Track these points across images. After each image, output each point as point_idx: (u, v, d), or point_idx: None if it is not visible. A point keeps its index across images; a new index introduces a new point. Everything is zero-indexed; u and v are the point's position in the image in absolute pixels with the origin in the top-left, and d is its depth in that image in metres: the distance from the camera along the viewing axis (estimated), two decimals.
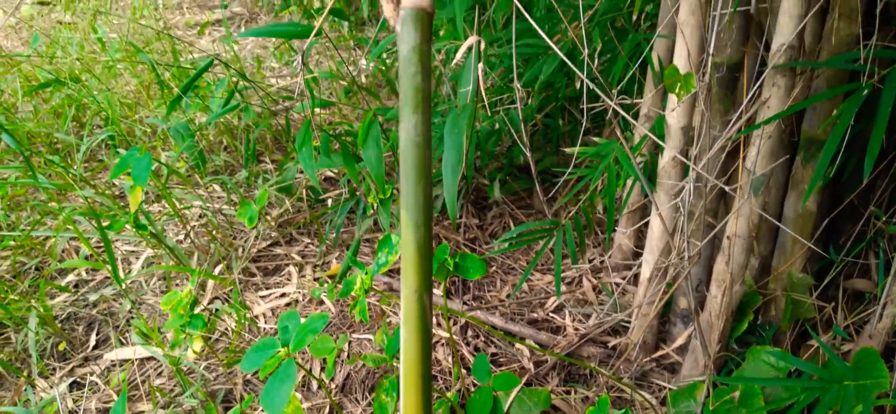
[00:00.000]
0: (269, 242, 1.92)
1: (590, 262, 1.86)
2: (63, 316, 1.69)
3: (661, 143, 1.25)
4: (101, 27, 3.06)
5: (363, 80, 2.87)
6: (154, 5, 3.87)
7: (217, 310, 1.64)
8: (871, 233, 1.43)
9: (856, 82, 1.06)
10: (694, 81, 1.03)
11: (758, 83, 1.13)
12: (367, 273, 1.06)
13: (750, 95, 1.11)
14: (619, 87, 1.41)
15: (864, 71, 1.04)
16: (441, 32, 2.08)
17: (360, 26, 3.52)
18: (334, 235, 1.92)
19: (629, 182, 1.62)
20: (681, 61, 1.18)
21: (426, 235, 0.39)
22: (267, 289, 1.76)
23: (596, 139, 1.49)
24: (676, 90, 1.08)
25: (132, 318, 1.67)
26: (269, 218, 1.98)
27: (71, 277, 1.81)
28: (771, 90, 1.13)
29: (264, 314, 1.67)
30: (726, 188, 1.01)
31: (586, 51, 1.04)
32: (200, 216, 2.01)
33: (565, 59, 0.84)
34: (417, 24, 0.40)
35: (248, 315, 1.62)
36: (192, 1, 4.19)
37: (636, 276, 1.76)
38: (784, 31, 1.07)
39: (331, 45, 3.19)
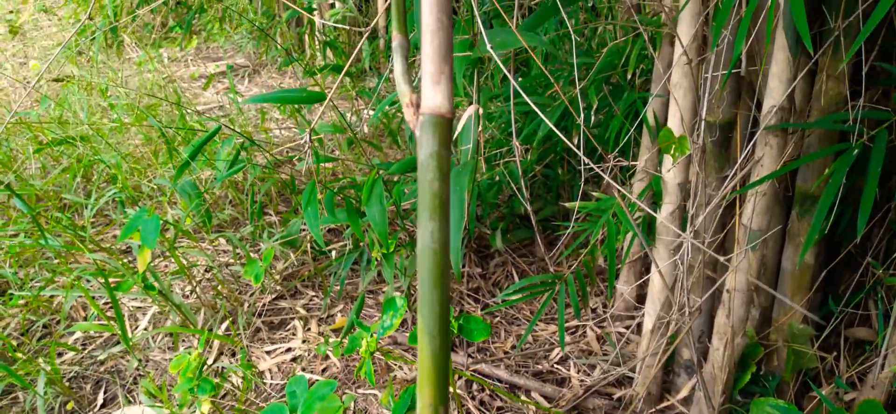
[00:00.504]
0: (274, 296, 1.94)
1: (593, 311, 1.88)
2: (70, 374, 1.70)
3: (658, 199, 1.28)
4: (107, 81, 3.12)
5: (365, 130, 2.92)
6: (159, 59, 3.94)
7: (224, 368, 1.65)
8: (870, 283, 1.44)
9: (846, 140, 1.10)
10: (688, 144, 1.06)
11: (751, 142, 1.16)
12: (372, 336, 1.08)
13: (743, 155, 1.14)
14: (616, 148, 1.44)
15: (854, 131, 1.07)
16: None
17: (361, 76, 3.58)
18: (339, 287, 1.94)
19: (630, 234, 1.64)
20: (674, 123, 1.22)
21: (443, 345, 0.40)
22: (272, 344, 1.77)
23: (595, 194, 1.52)
24: (671, 152, 1.11)
25: (140, 376, 1.68)
26: (274, 272, 2.00)
27: (78, 335, 1.82)
28: (763, 149, 1.16)
29: (270, 370, 1.68)
30: (721, 258, 1.04)
31: (582, 115, 1.07)
32: (207, 270, 2.04)
33: (557, 130, 0.88)
34: (436, 130, 0.42)
35: (254, 372, 1.63)
36: (196, 53, 4.27)
37: (639, 325, 1.77)
38: (774, 94, 1.10)
39: (335, 89, 3.25)
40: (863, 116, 1.07)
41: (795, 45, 1.07)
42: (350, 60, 1.18)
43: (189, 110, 3.07)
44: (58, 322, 1.84)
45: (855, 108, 1.09)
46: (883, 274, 1.40)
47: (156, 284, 1.69)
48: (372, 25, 1.16)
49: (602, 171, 1.09)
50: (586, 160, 0.83)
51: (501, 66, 0.81)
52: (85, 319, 1.87)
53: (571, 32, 1.01)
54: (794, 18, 0.73)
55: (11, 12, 4.75)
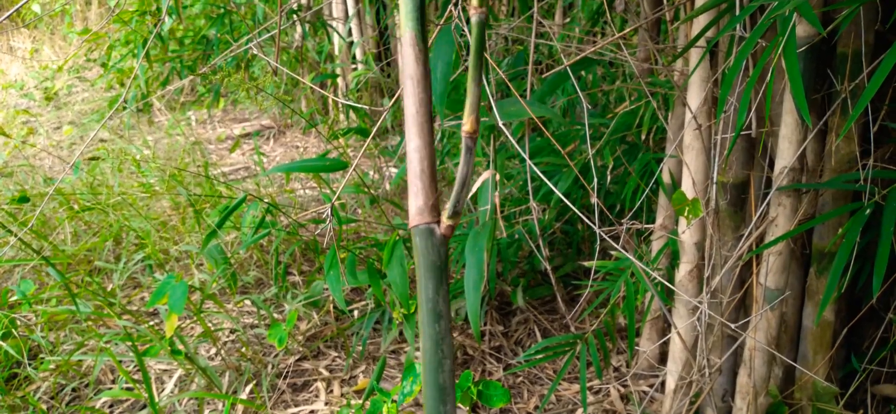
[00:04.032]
0: (297, 357, 1.97)
1: (615, 369, 1.87)
2: None
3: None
4: (138, 147, 3.22)
5: (387, 188, 2.97)
6: (187, 122, 4.06)
7: None
8: (894, 339, 1.43)
9: (860, 197, 1.10)
10: (700, 207, 1.07)
11: (765, 202, 1.17)
12: (393, 402, 1.09)
13: (757, 215, 1.15)
14: (631, 210, 1.46)
15: (866, 191, 1.08)
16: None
17: (383, 135, 3.65)
18: (361, 348, 1.96)
19: (649, 292, 1.65)
20: (687, 184, 1.23)
21: None
22: (296, 406, 1.79)
23: (613, 253, 1.53)
24: (685, 214, 1.12)
25: None
26: (297, 333, 2.03)
27: (106, 399, 1.86)
28: (777, 209, 1.17)
29: None
30: (738, 322, 1.04)
31: (596, 179, 1.10)
32: (232, 333, 2.07)
33: (571, 193, 0.90)
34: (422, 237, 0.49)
35: None
36: (223, 115, 4.39)
37: (663, 383, 1.76)
38: (785, 155, 1.12)
39: (353, 154, 3.32)
40: (874, 176, 1.08)
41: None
42: (376, 126, 1.22)
43: (216, 173, 3.15)
44: (86, 386, 1.88)
45: (865, 167, 1.10)
46: None
47: (182, 348, 1.73)
48: (395, 98, 1.21)
49: (618, 231, 1.11)
50: (595, 228, 0.85)
51: (511, 138, 0.84)
52: (113, 382, 1.91)
53: (582, 98, 1.05)
54: (793, 92, 0.75)
55: (47, 80, 4.95)
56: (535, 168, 0.89)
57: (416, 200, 0.54)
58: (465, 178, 0.53)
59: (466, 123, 0.51)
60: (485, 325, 2.04)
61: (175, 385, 1.89)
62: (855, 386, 1.44)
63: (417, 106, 0.53)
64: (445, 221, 0.55)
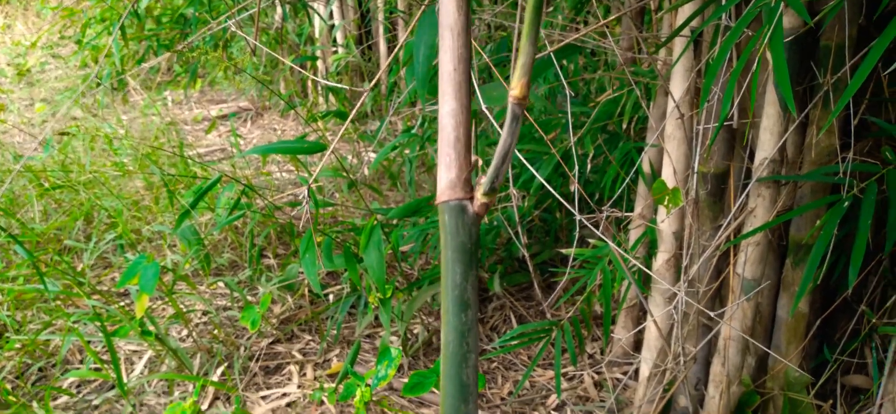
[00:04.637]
0: (270, 340, 1.94)
1: (590, 357, 1.87)
2: None
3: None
4: (111, 126, 3.16)
5: (366, 173, 2.94)
6: (163, 102, 3.99)
7: None
8: (865, 330, 1.44)
9: (838, 189, 1.11)
10: (681, 197, 1.07)
11: (744, 193, 1.18)
12: (366, 386, 1.08)
13: (737, 205, 1.16)
14: (611, 198, 1.46)
15: (845, 183, 1.09)
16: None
17: (363, 119, 3.62)
18: (335, 332, 1.94)
19: (626, 280, 1.65)
20: (668, 174, 1.23)
21: None
22: (268, 389, 1.77)
23: (591, 241, 1.53)
24: (665, 203, 1.12)
25: None
26: (271, 315, 2.00)
27: (73, 379, 1.82)
28: (756, 200, 1.17)
29: None
30: (714, 311, 1.05)
31: (577, 167, 1.09)
32: (204, 314, 2.04)
33: (553, 180, 0.89)
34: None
35: None
36: (200, 96, 4.32)
37: (637, 371, 1.77)
38: (766, 147, 1.12)
39: (332, 138, 3.29)
40: (853, 169, 1.09)
41: (785, 101, 1.09)
42: (355, 108, 1.20)
43: (191, 154, 3.10)
44: (54, 366, 1.84)
45: (845, 160, 1.11)
46: (877, 322, 1.40)
47: (152, 329, 1.70)
48: (375, 81, 1.19)
49: (597, 219, 1.11)
50: (576, 214, 0.84)
51: (494, 123, 0.83)
52: (81, 362, 1.87)
53: (565, 85, 1.03)
54: (778, 82, 0.75)
55: (19, 56, 4.83)
56: (517, 154, 0.87)
57: (447, 172, 0.48)
58: (508, 150, 0.46)
59: (516, 88, 0.44)
60: None
61: (145, 366, 1.86)
62: (826, 376, 1.46)
63: (456, 62, 0.47)
64: (480, 197, 0.49)
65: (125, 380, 1.81)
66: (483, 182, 0.47)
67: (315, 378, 1.79)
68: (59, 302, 2.03)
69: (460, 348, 0.50)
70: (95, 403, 1.73)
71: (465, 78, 0.45)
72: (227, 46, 3.46)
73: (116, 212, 2.25)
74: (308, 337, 1.97)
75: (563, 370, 1.84)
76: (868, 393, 1.45)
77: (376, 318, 2.00)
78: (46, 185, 2.48)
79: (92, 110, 3.73)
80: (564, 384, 1.79)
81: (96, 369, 1.77)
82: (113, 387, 1.79)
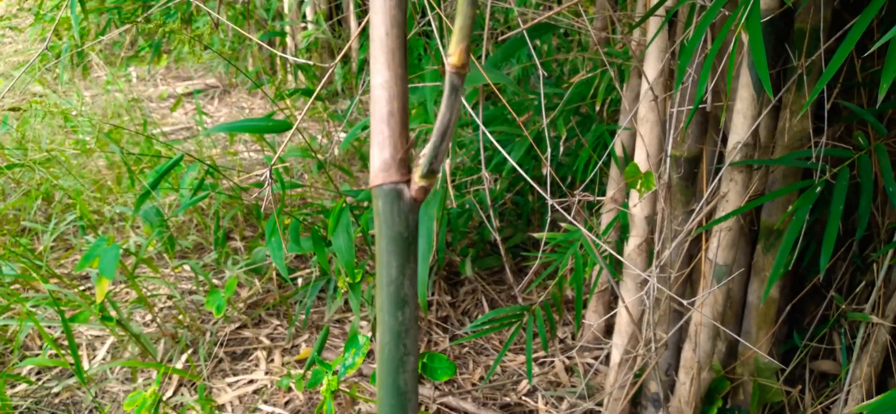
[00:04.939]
0: (237, 325, 1.90)
1: (561, 341, 1.86)
2: (23, 407, 1.64)
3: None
4: (72, 102, 3.06)
5: (336, 153, 2.89)
6: (127, 78, 3.88)
7: (183, 406, 1.60)
8: (834, 316, 1.45)
9: (811, 174, 1.10)
10: (653, 180, 1.05)
11: (716, 178, 1.16)
12: (334, 374, 1.05)
13: (709, 190, 1.14)
14: (584, 182, 1.44)
15: (817, 168, 1.08)
16: (413, 113, 2.12)
17: (333, 99, 3.56)
18: (304, 317, 1.90)
19: (598, 265, 1.64)
20: (641, 157, 1.21)
21: None
22: (234, 375, 1.73)
23: (563, 224, 1.51)
24: (637, 187, 1.10)
25: (95, 409, 1.62)
26: (237, 300, 1.96)
27: (31, 365, 1.76)
28: (729, 185, 1.16)
29: (231, 403, 1.64)
30: (686, 297, 1.03)
31: (549, 149, 1.06)
32: (169, 298, 1.99)
33: (525, 162, 0.87)
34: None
35: (213, 406, 1.59)
36: (166, 72, 4.21)
37: (608, 356, 1.76)
38: (739, 130, 1.10)
39: (300, 116, 3.22)
40: (826, 154, 1.08)
41: (759, 84, 1.07)
42: (320, 85, 1.16)
43: (156, 132, 3.02)
44: (11, 352, 1.78)
45: (818, 145, 1.10)
46: (846, 307, 1.41)
47: (114, 314, 1.64)
48: (344, 52, 1.15)
49: (569, 203, 1.08)
50: (547, 198, 0.82)
51: (466, 104, 0.80)
52: (40, 349, 1.81)
53: (538, 66, 1.00)
54: (755, 62, 0.72)
55: None
56: (489, 135, 0.84)
57: (380, 152, 0.42)
58: (447, 126, 0.41)
59: (453, 54, 0.38)
60: (432, 295, 2.01)
61: (108, 352, 1.81)
62: (795, 362, 1.47)
63: (388, 25, 0.40)
64: (417, 180, 0.43)
65: (86, 366, 1.76)
66: (421, 163, 0.42)
67: (283, 364, 1.76)
68: (17, 286, 1.96)
69: (397, 351, 0.45)
70: (55, 390, 1.68)
71: (400, 44, 0.39)
72: (192, 21, 3.37)
73: (75, 192, 2.17)
74: (276, 322, 1.93)
75: (534, 355, 1.83)
76: (837, 378, 1.46)
77: (346, 302, 1.96)
78: (2, 163, 2.39)
79: (52, 86, 3.61)
80: (536, 369, 1.78)
81: (55, 356, 1.71)
82: (74, 374, 1.73)
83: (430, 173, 0.41)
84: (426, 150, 0.40)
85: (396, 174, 0.42)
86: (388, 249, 0.43)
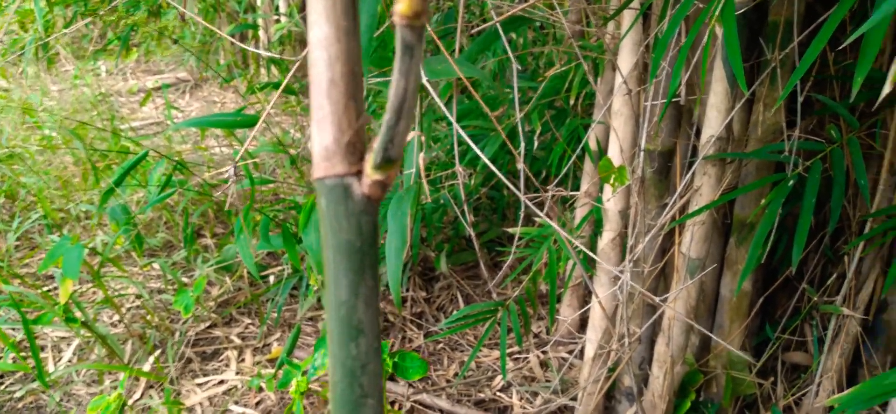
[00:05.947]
0: (207, 325, 1.86)
1: (536, 336, 1.86)
2: None
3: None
4: (39, 96, 2.98)
5: (309, 147, 2.85)
6: (95, 72, 3.80)
7: (150, 409, 1.56)
8: (806, 308, 1.46)
9: (783, 169, 1.10)
10: (627, 175, 1.04)
11: (690, 171, 1.16)
12: (303, 374, 1.02)
13: (683, 184, 1.14)
14: (558, 176, 1.42)
15: (790, 162, 1.07)
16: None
17: (306, 92, 3.51)
18: (276, 315, 1.87)
19: (572, 260, 1.63)
20: (615, 151, 1.20)
21: None
22: (204, 376, 1.69)
23: (538, 219, 1.50)
24: (611, 181, 1.09)
25: (60, 413, 1.58)
26: (207, 298, 1.92)
27: None
28: (702, 179, 1.15)
29: (201, 404, 1.60)
30: (660, 290, 1.02)
31: (523, 145, 1.05)
32: (137, 298, 1.94)
33: (499, 157, 0.85)
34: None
35: (181, 409, 1.55)
36: (136, 66, 4.13)
37: (582, 350, 1.76)
38: (712, 124, 1.10)
39: (273, 111, 3.18)
40: (798, 147, 1.08)
41: (733, 77, 1.07)
42: (288, 77, 1.13)
43: (124, 127, 2.96)
44: None
45: (791, 138, 1.10)
46: (818, 300, 1.42)
47: (79, 316, 1.60)
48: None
49: (543, 198, 1.07)
50: (520, 195, 0.80)
51: (437, 99, 0.78)
52: (2, 352, 1.76)
53: (513, 60, 0.99)
54: (729, 57, 0.71)
55: None
56: (462, 132, 0.83)
57: (320, 135, 0.30)
58: (403, 100, 0.29)
59: (402, 1, 0.27)
60: (407, 291, 1.99)
61: (74, 354, 1.76)
62: (767, 355, 1.47)
63: None
64: (370, 172, 0.31)
65: (51, 369, 1.71)
66: (374, 149, 0.31)
67: (254, 364, 1.73)
68: None
69: (351, 392, 0.34)
70: (18, 394, 1.63)
71: None
72: (161, 14, 3.30)
73: (38, 190, 2.12)
74: (247, 320, 1.90)
75: (508, 351, 1.82)
76: (808, 370, 1.47)
77: (319, 300, 1.93)
78: None
79: (18, 80, 3.52)
80: (510, 365, 1.76)
81: (14, 361, 1.67)
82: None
83: (387, 162, 0.30)
84: (380, 133, 0.28)
85: (341, 164, 0.31)
86: (336, 262, 0.32)
